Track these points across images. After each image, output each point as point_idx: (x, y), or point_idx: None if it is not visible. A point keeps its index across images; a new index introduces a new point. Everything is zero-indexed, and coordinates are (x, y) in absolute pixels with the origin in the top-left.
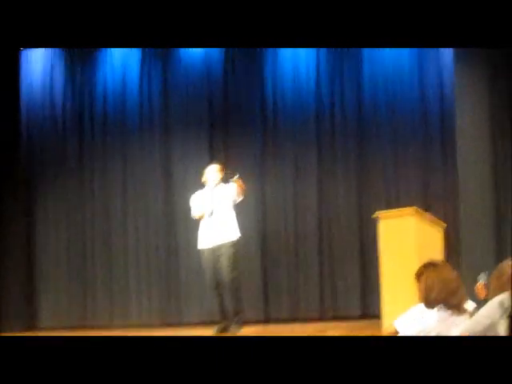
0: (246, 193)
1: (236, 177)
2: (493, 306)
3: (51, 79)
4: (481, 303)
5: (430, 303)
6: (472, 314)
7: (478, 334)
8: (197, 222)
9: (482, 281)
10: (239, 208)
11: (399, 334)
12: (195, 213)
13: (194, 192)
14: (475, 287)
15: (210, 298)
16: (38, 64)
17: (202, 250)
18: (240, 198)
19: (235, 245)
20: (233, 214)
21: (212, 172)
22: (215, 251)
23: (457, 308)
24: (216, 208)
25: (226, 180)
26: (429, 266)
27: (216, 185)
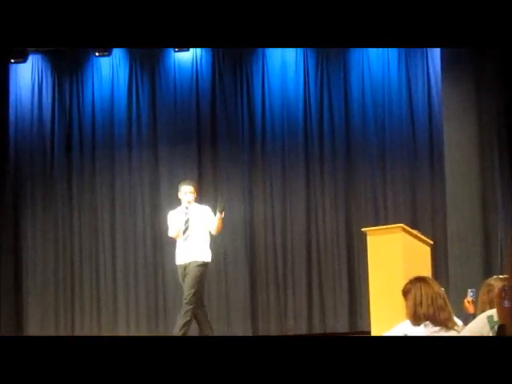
0: (220, 231)
1: (221, 215)
2: (481, 321)
3: (39, 93)
4: (469, 318)
5: (417, 319)
6: (460, 330)
7: None
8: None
9: (469, 296)
10: (228, 224)
11: None
12: (172, 232)
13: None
14: (463, 303)
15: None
16: (26, 78)
17: (178, 266)
18: (214, 233)
19: (203, 266)
20: (207, 238)
21: (189, 192)
22: (185, 269)
23: (444, 324)
24: (192, 229)
25: (215, 210)
26: (416, 282)
27: (190, 206)
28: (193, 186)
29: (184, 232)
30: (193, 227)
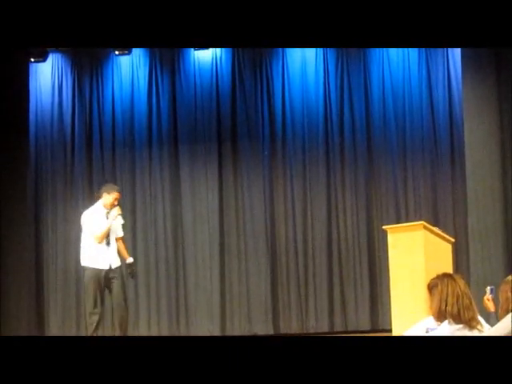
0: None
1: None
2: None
3: (60, 92)
4: (490, 316)
5: (441, 316)
6: (483, 330)
7: None
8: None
9: (488, 294)
10: (250, 222)
11: None
12: (98, 233)
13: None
14: (483, 300)
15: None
16: (47, 77)
17: (94, 269)
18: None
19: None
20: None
21: (117, 199)
22: (108, 273)
23: (469, 323)
24: (113, 234)
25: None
26: (443, 278)
27: (114, 213)
28: (119, 193)
29: (107, 239)
30: (113, 234)
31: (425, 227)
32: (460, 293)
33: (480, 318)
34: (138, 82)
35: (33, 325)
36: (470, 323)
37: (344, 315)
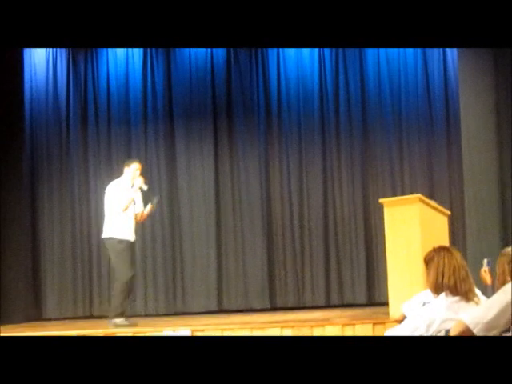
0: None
1: (155, 201)
2: (507, 291)
3: (54, 75)
4: (487, 289)
5: (438, 288)
6: (480, 302)
7: (489, 320)
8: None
9: (485, 266)
10: (245, 198)
11: (406, 319)
12: (123, 206)
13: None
14: (480, 273)
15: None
16: (41, 60)
17: (124, 241)
18: (138, 218)
19: None
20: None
21: (138, 172)
22: (133, 245)
23: (465, 295)
24: (133, 208)
25: (147, 196)
26: (440, 251)
27: (143, 185)
28: (141, 165)
29: (133, 211)
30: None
31: (421, 200)
32: (456, 265)
33: (477, 291)
34: (133, 59)
35: (30, 305)
36: (467, 295)
37: (340, 289)
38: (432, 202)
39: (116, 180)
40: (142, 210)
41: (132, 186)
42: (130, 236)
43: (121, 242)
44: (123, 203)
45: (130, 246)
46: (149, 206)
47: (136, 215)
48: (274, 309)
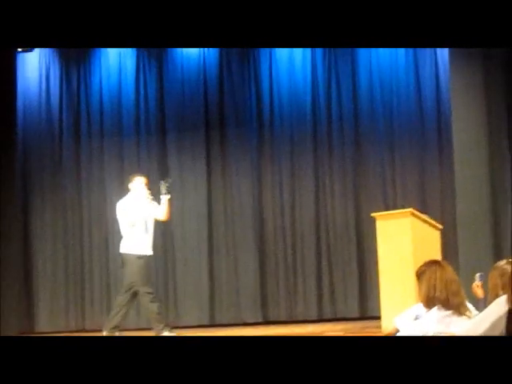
0: (170, 216)
1: (168, 197)
2: (499, 304)
3: (47, 81)
4: (479, 303)
5: (430, 302)
6: (472, 316)
7: (481, 333)
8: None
9: (478, 281)
10: (238, 210)
11: (399, 333)
12: (131, 221)
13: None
14: (472, 287)
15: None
16: (34, 71)
17: (141, 256)
18: (164, 218)
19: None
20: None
21: (143, 185)
22: (148, 259)
23: (457, 309)
24: (148, 221)
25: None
26: (431, 265)
27: (147, 198)
28: (146, 178)
29: (145, 226)
30: (149, 221)
31: (412, 214)
32: (448, 279)
33: (469, 305)
34: (126, 71)
35: (22, 318)
36: (459, 309)
37: (333, 302)
38: (424, 216)
39: (124, 198)
40: (162, 211)
41: (140, 201)
42: (148, 251)
43: (140, 257)
44: (130, 220)
45: (148, 260)
46: (163, 199)
47: (158, 220)
48: (266, 322)
